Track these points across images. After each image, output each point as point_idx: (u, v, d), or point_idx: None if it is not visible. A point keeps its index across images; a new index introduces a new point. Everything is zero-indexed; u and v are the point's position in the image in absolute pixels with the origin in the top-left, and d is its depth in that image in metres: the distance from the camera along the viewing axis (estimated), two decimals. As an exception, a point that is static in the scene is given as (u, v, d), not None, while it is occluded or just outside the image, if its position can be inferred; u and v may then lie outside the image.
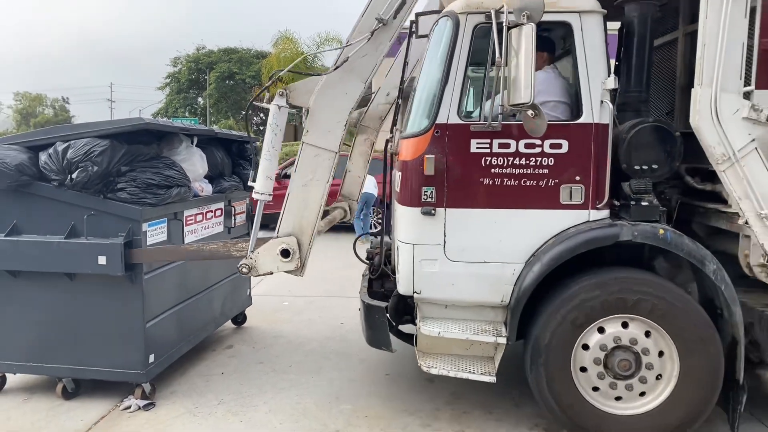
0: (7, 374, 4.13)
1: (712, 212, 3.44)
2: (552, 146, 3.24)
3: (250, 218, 5.10)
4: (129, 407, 3.82)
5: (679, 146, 3.26)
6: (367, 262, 4.30)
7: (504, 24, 2.91)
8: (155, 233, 3.89)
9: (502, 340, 3.28)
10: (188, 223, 4.28)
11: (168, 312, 4.07)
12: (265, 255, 3.39)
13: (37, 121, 54.14)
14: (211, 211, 4.52)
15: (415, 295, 3.41)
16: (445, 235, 3.34)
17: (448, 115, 3.26)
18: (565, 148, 3.23)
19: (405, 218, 3.42)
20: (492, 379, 3.29)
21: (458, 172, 3.29)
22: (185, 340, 4.37)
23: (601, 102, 3.19)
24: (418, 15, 3.79)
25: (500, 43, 2.90)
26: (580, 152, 3.23)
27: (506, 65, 2.90)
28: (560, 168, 3.24)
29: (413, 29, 3.92)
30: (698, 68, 3.04)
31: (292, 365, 4.57)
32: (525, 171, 3.26)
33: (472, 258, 3.33)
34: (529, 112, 2.85)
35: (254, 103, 4.04)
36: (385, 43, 3.25)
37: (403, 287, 3.45)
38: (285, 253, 3.30)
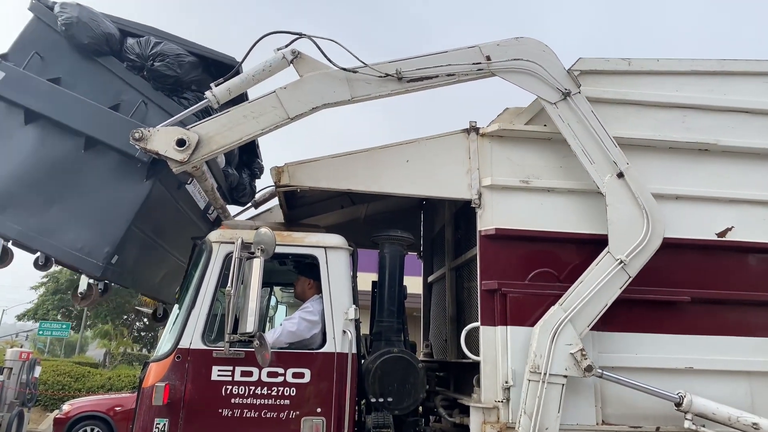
0: None
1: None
2: (295, 375, 3.19)
3: None
4: None
5: (422, 378, 3.34)
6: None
7: (239, 256, 3.04)
8: None
9: None
10: None
11: (148, 237, 3.86)
12: (163, 134, 3.18)
13: None
14: None
15: None
16: (172, 478, 2.96)
17: (192, 339, 3.18)
18: (307, 378, 3.19)
19: (133, 457, 3.04)
20: None
21: (196, 402, 3.09)
22: (137, 277, 4.12)
23: (344, 331, 3.29)
24: (193, 239, 3.93)
25: (235, 273, 3.00)
26: (322, 382, 3.19)
27: (238, 295, 2.97)
28: (302, 398, 3.15)
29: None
30: (567, 294, 3.25)
31: None
32: (266, 401, 3.13)
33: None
34: (255, 342, 2.85)
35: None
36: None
37: None
38: (181, 143, 3.18)
